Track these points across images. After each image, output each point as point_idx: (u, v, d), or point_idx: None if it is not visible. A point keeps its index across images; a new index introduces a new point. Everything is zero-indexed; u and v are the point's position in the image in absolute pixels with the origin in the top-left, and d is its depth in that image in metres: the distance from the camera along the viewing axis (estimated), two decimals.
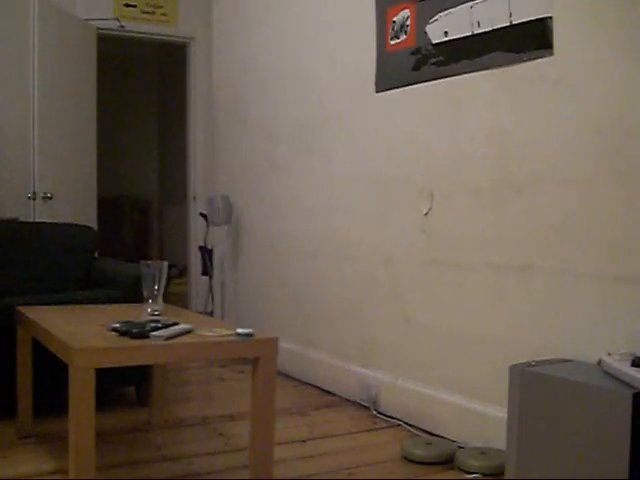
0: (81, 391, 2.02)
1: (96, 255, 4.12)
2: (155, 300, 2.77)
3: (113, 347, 2.08)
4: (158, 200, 9.29)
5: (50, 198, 4.74)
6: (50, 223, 4.09)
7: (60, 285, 3.71)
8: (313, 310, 4.16)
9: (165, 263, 2.81)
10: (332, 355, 3.96)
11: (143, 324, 2.32)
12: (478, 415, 2.92)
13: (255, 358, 2.33)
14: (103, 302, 3.21)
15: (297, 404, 3.67)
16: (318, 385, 4.03)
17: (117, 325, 2.30)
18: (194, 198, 6.09)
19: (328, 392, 3.91)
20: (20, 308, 2.94)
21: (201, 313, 5.54)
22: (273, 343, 2.34)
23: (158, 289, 2.78)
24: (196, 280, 6.04)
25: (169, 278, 2.83)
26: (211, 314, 5.40)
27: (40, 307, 2.97)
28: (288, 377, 4.22)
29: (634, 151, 2.36)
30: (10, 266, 3.65)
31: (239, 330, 2.35)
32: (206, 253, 5.39)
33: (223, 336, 2.32)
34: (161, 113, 9.29)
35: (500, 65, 2.87)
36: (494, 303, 2.91)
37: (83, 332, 2.31)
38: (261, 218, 4.78)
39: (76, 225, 4.07)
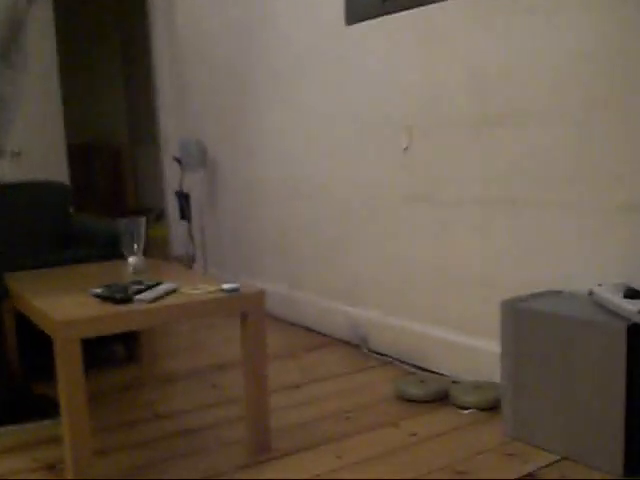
0: (68, 362, 1.98)
1: (71, 211, 4.01)
2: (135, 257, 2.72)
3: (97, 316, 2.02)
4: (129, 143, 9.09)
5: (18, 154, 4.60)
6: (22, 183, 3.96)
7: (36, 246, 3.62)
8: (297, 251, 4.11)
9: (143, 219, 2.75)
10: (319, 295, 3.94)
11: (126, 287, 2.27)
12: (470, 349, 2.93)
13: (243, 313, 2.29)
14: (82, 262, 3.14)
15: (287, 347, 3.66)
16: (307, 326, 4.02)
17: (99, 290, 2.24)
18: (166, 141, 5.93)
19: (317, 332, 3.90)
20: None
21: (183, 258, 5.49)
22: (260, 296, 2.30)
23: (138, 246, 2.74)
24: (175, 224, 5.95)
25: (148, 224, 2.79)
26: (193, 259, 5.35)
27: (18, 273, 2.89)
28: (276, 319, 4.20)
29: (617, 78, 2.29)
30: None
31: (224, 286, 2.31)
32: (183, 198, 5.29)
33: (209, 293, 2.28)
34: (125, 51, 8.97)
35: None
36: (480, 237, 2.87)
37: (65, 301, 2.25)
38: (236, 162, 4.67)
39: (49, 183, 3.95)
